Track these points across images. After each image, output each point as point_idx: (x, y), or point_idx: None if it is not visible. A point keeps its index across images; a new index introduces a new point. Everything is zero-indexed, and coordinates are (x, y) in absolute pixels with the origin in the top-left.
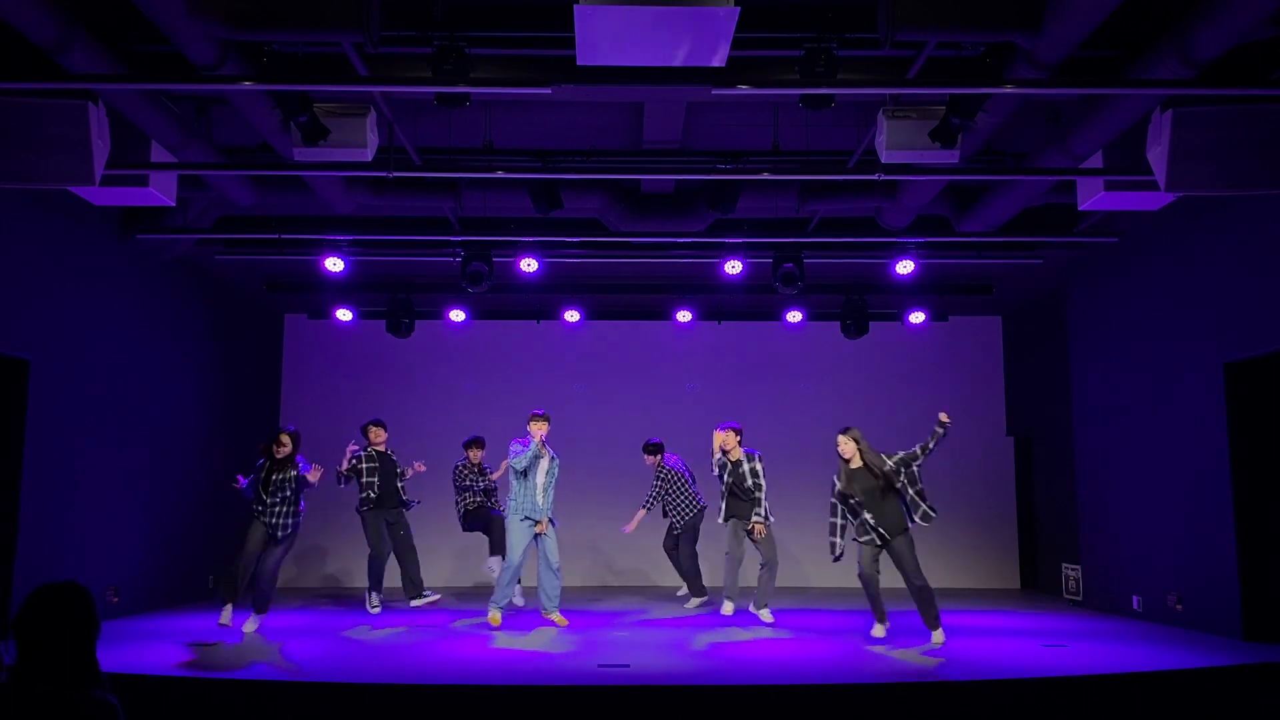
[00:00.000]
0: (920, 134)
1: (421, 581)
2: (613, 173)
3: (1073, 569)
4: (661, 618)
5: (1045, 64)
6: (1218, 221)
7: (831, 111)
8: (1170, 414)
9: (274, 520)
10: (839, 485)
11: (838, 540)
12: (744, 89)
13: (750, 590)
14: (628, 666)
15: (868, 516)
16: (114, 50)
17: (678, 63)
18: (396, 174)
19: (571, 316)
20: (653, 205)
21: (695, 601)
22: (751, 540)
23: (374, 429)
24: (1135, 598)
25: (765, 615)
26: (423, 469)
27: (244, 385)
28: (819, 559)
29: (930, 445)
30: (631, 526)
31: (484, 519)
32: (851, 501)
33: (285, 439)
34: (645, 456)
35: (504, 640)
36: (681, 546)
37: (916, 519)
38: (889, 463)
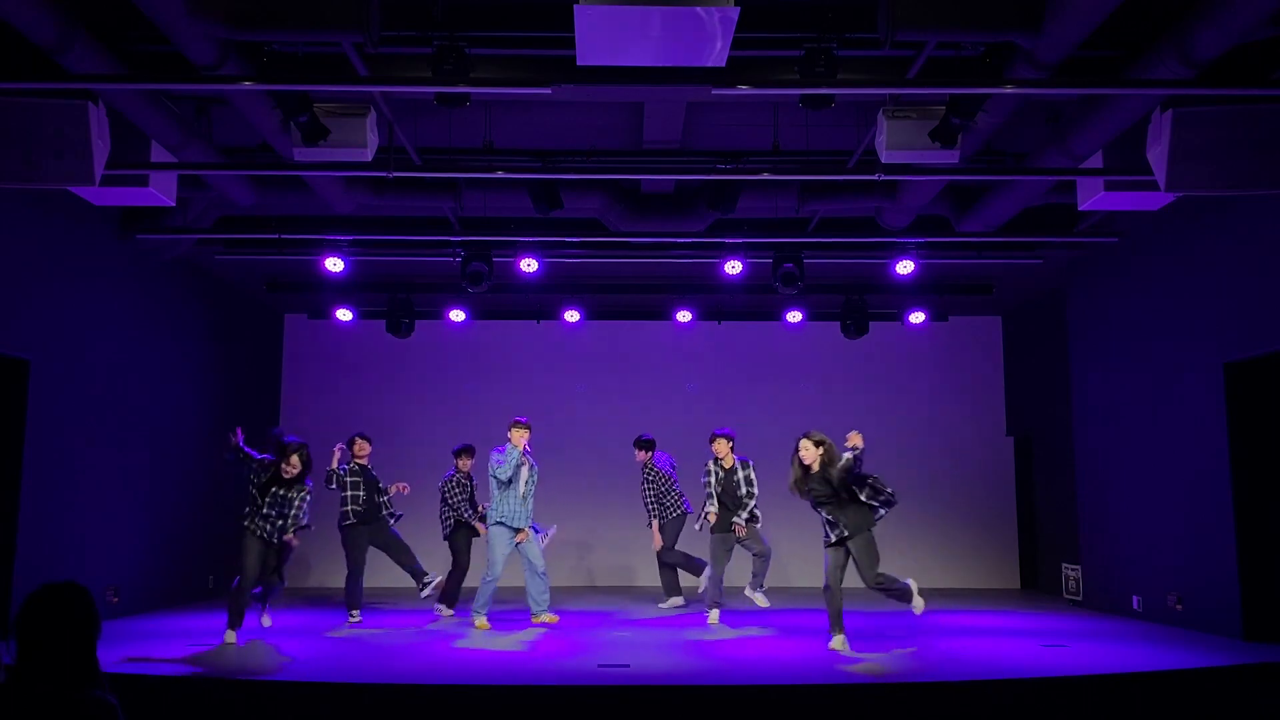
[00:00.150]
0: (920, 134)
1: (421, 569)
2: (613, 173)
3: (1073, 569)
4: (661, 618)
5: (1045, 64)
6: (1218, 221)
7: (831, 111)
8: (1170, 414)
9: (269, 527)
10: (791, 480)
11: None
12: (744, 89)
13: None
14: (628, 666)
15: (826, 514)
16: (114, 50)
17: (678, 63)
18: (396, 174)
19: (571, 316)
20: (653, 205)
21: (671, 601)
22: (738, 541)
23: (360, 441)
24: (1135, 598)
25: (759, 599)
26: (406, 490)
27: (244, 385)
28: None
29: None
30: (657, 542)
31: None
32: (808, 498)
33: (296, 462)
34: (636, 452)
35: (503, 641)
36: (665, 547)
37: (883, 511)
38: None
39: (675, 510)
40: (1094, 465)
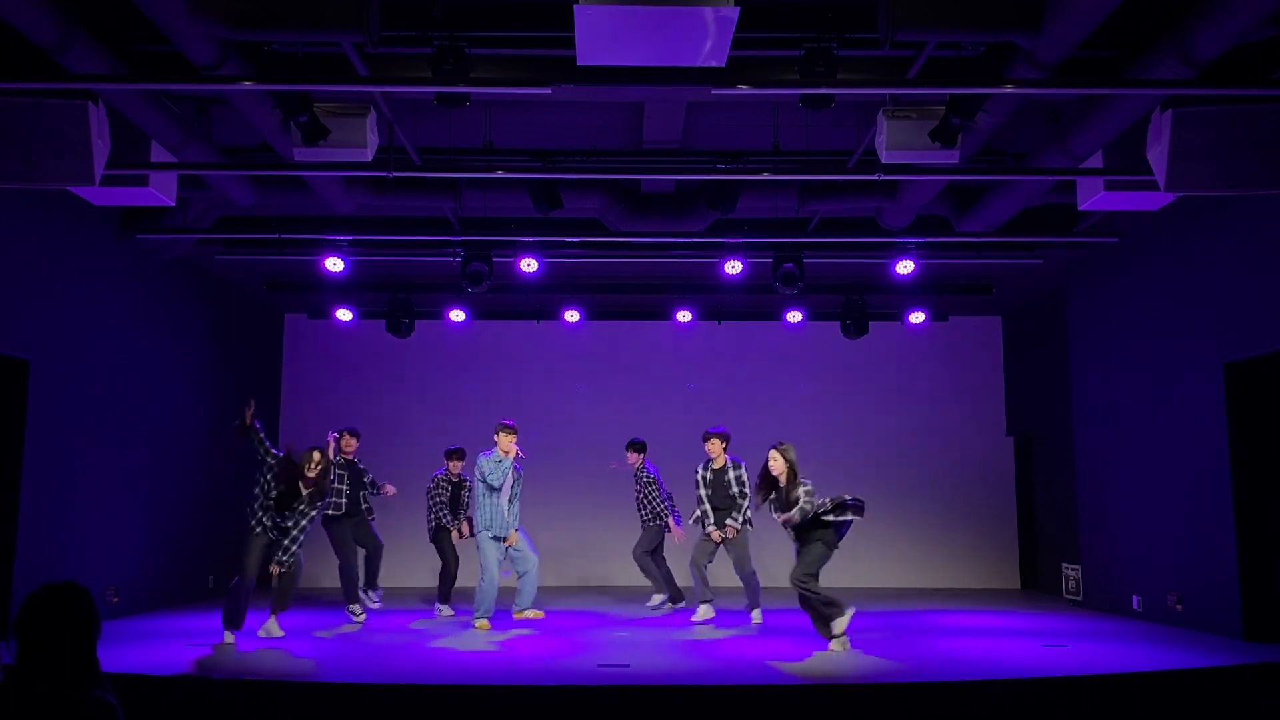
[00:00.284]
0: (920, 134)
1: (377, 584)
2: (613, 173)
3: (1073, 569)
4: (661, 617)
5: (1045, 64)
6: (1218, 221)
7: (831, 111)
8: (1170, 414)
9: (280, 548)
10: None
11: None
12: (744, 89)
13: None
14: (628, 666)
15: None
16: (114, 50)
17: (678, 62)
18: (396, 174)
19: (571, 316)
20: (653, 205)
21: (657, 600)
22: (725, 545)
23: (348, 438)
24: (1135, 598)
25: (755, 616)
26: (393, 492)
27: (244, 385)
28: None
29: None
30: (679, 535)
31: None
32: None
33: (319, 458)
34: (629, 454)
35: (502, 641)
36: (636, 545)
37: (851, 516)
38: (799, 493)
39: (664, 516)
40: (1094, 465)
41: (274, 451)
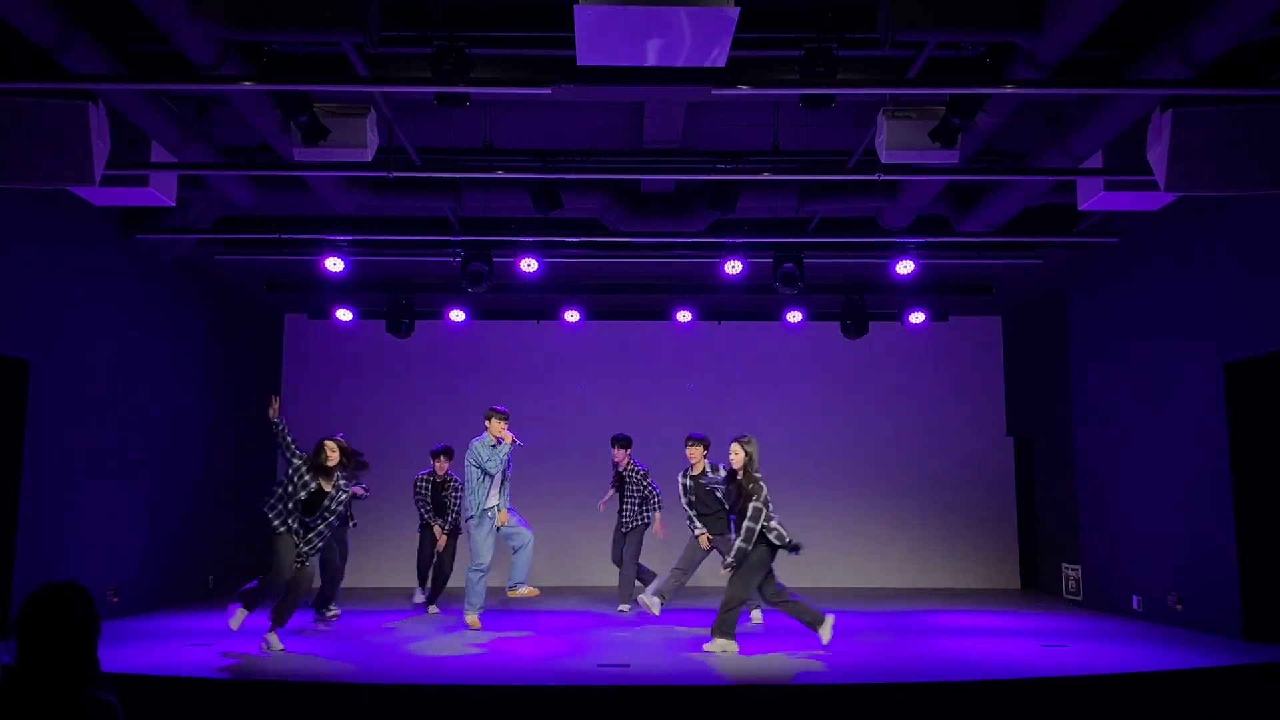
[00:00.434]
0: (920, 134)
1: (337, 595)
2: (613, 173)
3: (1073, 569)
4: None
5: (1045, 64)
6: (1218, 221)
7: (831, 111)
8: (1170, 414)
9: (308, 547)
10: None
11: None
12: (744, 89)
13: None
14: (628, 666)
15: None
16: (114, 50)
17: (678, 63)
18: (396, 174)
19: (571, 316)
20: (653, 205)
21: (627, 607)
22: (718, 550)
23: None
24: (1135, 598)
25: (755, 616)
26: (363, 494)
27: (244, 385)
28: (813, 560)
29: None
30: (659, 529)
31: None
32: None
33: (332, 447)
34: (615, 450)
35: (502, 640)
36: (626, 549)
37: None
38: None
39: (650, 518)
40: (1094, 465)
41: (299, 452)
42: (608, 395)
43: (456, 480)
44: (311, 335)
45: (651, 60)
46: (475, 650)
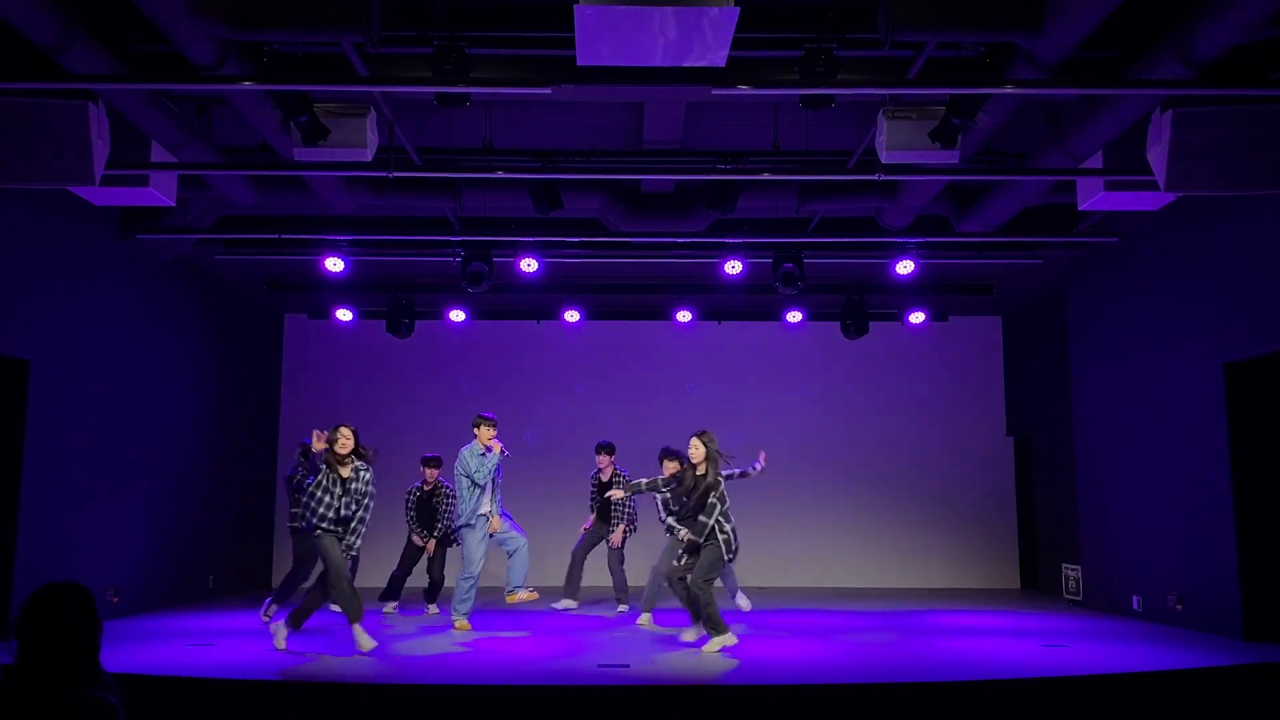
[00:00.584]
0: (920, 134)
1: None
2: (613, 173)
3: (1073, 569)
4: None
5: (1045, 64)
6: (1218, 221)
7: (831, 111)
8: (1170, 414)
9: (353, 540)
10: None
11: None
12: (744, 89)
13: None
14: (628, 666)
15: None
16: (114, 50)
17: (678, 63)
18: (396, 174)
19: (571, 316)
20: (653, 205)
21: (564, 603)
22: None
23: (319, 435)
24: (1135, 598)
25: (742, 601)
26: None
27: (244, 385)
28: (813, 561)
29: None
30: (616, 539)
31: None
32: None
33: (346, 434)
34: (599, 457)
35: (501, 641)
36: (612, 553)
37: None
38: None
39: (631, 523)
40: (1094, 465)
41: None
42: (608, 395)
43: (447, 487)
44: (311, 335)
45: (651, 60)
46: (475, 651)
